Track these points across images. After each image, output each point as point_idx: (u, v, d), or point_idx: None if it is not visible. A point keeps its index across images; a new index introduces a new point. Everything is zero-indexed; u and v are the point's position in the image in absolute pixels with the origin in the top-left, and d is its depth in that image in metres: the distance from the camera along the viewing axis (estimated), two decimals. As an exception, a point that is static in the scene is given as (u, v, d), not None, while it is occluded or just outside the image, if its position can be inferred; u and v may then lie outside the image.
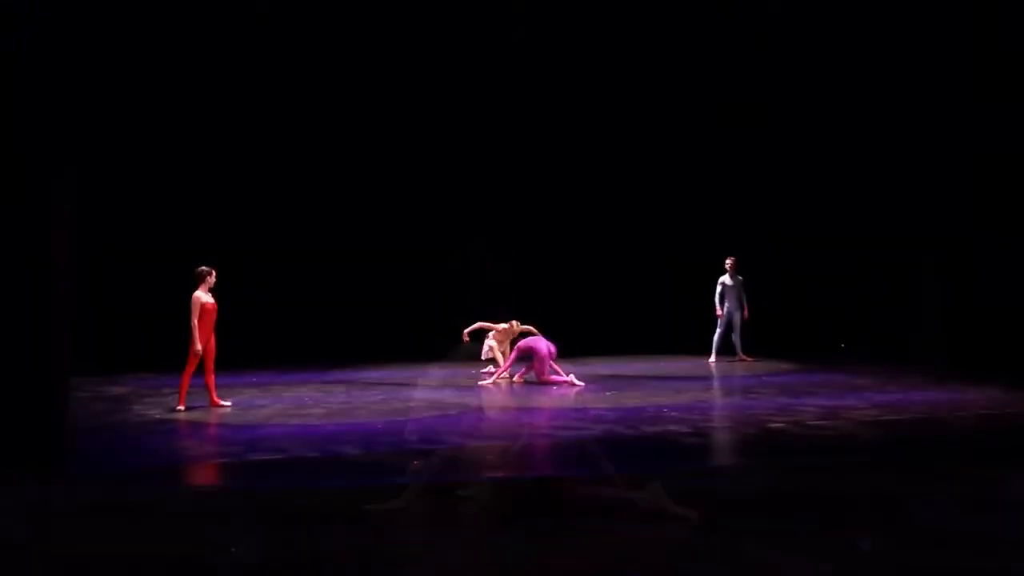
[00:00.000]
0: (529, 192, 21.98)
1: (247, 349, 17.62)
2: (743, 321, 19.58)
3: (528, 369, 16.55)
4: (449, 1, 20.22)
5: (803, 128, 21.65)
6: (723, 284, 19.58)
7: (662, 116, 22.59)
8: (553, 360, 16.33)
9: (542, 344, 16.34)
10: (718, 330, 19.62)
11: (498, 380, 16.54)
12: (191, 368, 13.22)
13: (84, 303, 16.18)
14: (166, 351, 15.63)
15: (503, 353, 17.21)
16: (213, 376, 13.48)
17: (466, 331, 17.26)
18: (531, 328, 17.05)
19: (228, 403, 13.68)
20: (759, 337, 20.26)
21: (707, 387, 16.40)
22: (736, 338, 19.63)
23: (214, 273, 13.45)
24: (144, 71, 19.28)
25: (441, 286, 22.11)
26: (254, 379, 16.58)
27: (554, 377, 16.18)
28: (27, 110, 9.28)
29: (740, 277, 19.63)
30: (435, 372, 17.61)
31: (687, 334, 21.12)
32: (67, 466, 9.23)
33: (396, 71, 20.96)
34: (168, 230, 19.84)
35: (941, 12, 18.85)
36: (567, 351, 17.09)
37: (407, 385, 16.18)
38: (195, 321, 13.08)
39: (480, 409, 13.60)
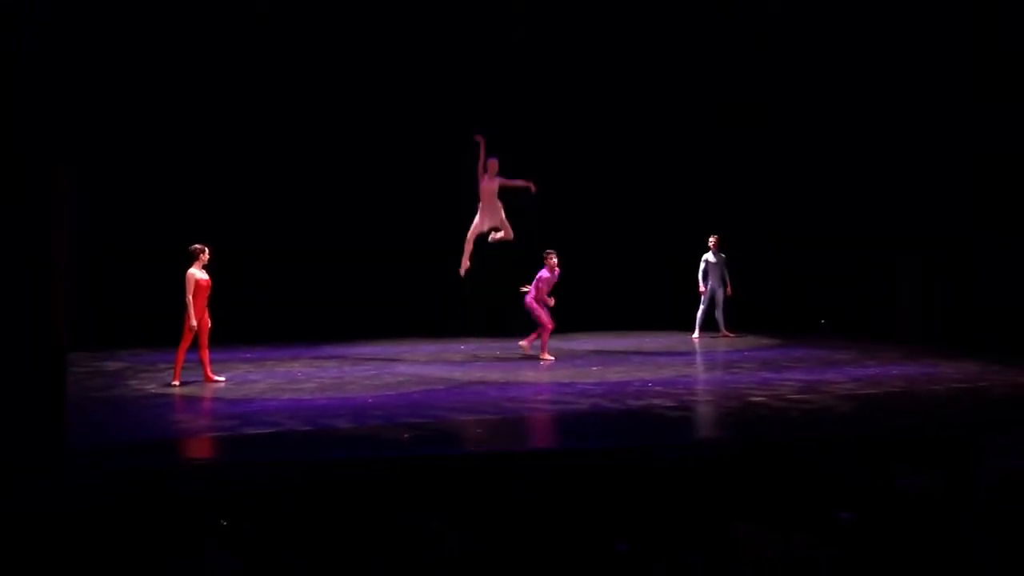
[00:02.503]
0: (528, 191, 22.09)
1: (240, 326, 17.78)
2: (726, 298, 19.71)
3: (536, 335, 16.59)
4: (450, 1, 20.45)
5: (803, 128, 21.74)
6: (706, 261, 19.70)
7: (662, 116, 22.69)
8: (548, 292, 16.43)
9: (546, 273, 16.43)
10: (701, 306, 19.73)
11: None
12: (186, 344, 13.43)
13: (84, 303, 16.50)
14: (161, 327, 15.82)
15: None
16: (207, 351, 13.68)
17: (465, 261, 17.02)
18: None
19: (222, 378, 13.87)
20: (743, 315, 20.47)
21: (690, 362, 16.68)
22: (719, 314, 19.77)
23: (207, 251, 13.67)
24: (144, 71, 19.45)
25: (441, 286, 22.30)
26: (247, 355, 16.74)
27: (539, 311, 16.31)
28: (27, 110, 9.35)
29: (723, 255, 19.75)
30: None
31: (671, 311, 21.24)
32: (65, 464, 9.39)
33: (396, 71, 21.11)
34: (168, 230, 19.97)
35: (941, 12, 18.98)
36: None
37: (397, 360, 16.38)
38: (189, 297, 13.27)
39: (468, 384, 13.78)
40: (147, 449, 9.79)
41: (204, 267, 13.63)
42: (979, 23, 18.95)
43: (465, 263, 17.01)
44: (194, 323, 13.29)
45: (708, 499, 8.72)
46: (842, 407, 11.75)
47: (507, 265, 18.95)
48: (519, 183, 16.82)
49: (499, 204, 16.82)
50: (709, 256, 19.79)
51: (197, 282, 13.40)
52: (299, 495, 8.25)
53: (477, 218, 16.88)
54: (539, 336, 16.48)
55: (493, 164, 16.71)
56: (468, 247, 16.97)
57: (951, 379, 13.64)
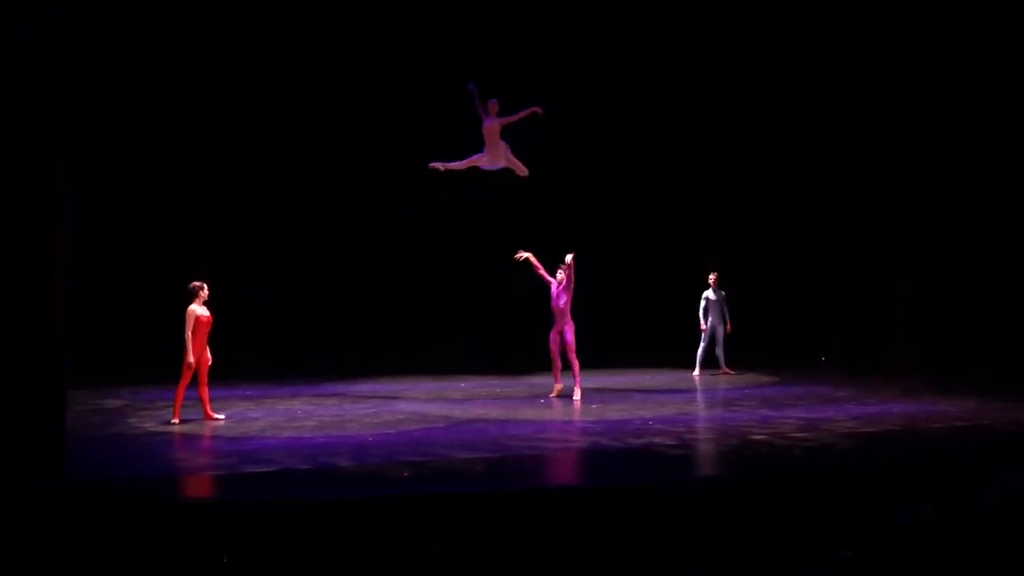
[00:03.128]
0: (529, 192, 22.03)
1: (240, 362, 17.78)
2: (726, 335, 19.67)
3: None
4: (450, 1, 20.29)
5: (803, 128, 21.66)
6: (707, 299, 19.63)
7: (662, 116, 22.58)
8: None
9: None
10: (702, 344, 19.65)
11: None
12: (185, 381, 13.38)
13: (84, 303, 16.48)
14: (161, 363, 15.82)
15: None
16: (207, 389, 13.64)
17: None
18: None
19: (221, 416, 13.83)
20: (744, 350, 20.43)
21: (691, 400, 16.59)
22: (719, 351, 19.70)
23: (206, 287, 13.60)
24: (144, 71, 19.37)
25: (441, 286, 22.36)
26: (247, 392, 16.65)
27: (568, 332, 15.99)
28: (27, 110, 9.35)
29: (723, 292, 19.69)
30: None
31: (671, 348, 21.18)
32: (65, 472, 9.45)
33: (397, 70, 21.03)
34: (168, 230, 20.00)
35: (941, 12, 18.86)
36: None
37: (397, 398, 16.33)
38: (188, 334, 13.23)
39: (468, 421, 13.74)
40: (146, 486, 9.77)
41: (205, 302, 13.58)
42: (979, 23, 18.84)
43: (439, 166, 16.86)
44: (191, 360, 13.24)
45: (709, 534, 8.76)
46: (843, 444, 11.73)
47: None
48: (524, 113, 16.54)
49: (503, 144, 16.65)
50: (709, 293, 19.73)
51: (197, 318, 13.36)
52: (298, 533, 8.27)
53: (480, 154, 16.74)
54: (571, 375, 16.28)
55: (493, 105, 16.54)
56: (455, 164, 16.84)
57: (952, 416, 13.63)
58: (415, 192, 21.46)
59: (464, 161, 16.74)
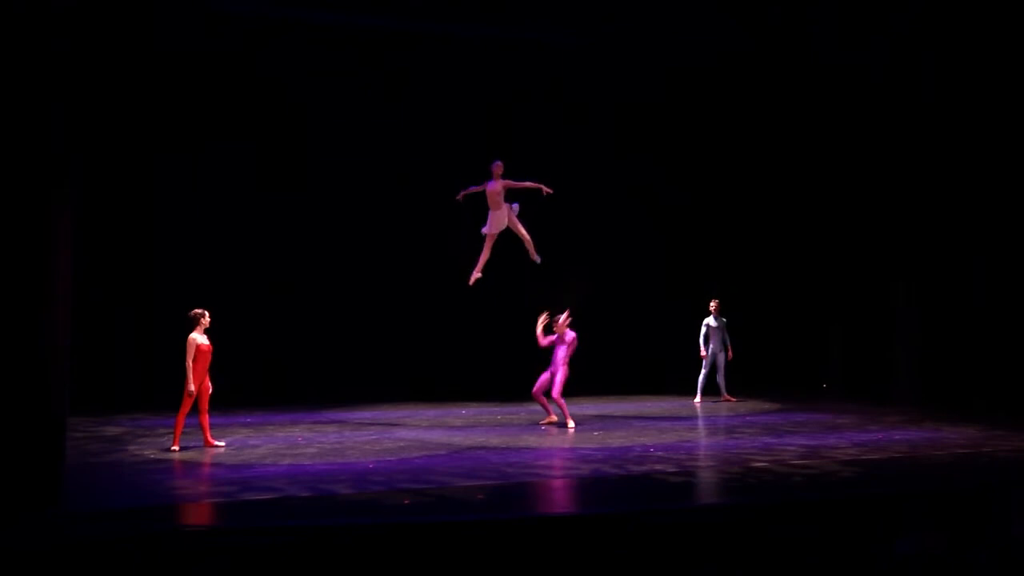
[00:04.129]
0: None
1: (240, 390, 17.77)
2: (727, 362, 19.75)
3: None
4: (449, 5, 20.36)
5: (803, 128, 21.81)
6: (707, 326, 19.76)
7: (662, 116, 22.70)
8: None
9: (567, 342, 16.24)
10: (703, 371, 19.76)
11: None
12: (185, 409, 13.35)
13: (84, 303, 16.47)
14: (161, 391, 15.81)
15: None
16: (207, 416, 13.61)
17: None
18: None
19: (222, 443, 13.79)
20: (744, 376, 20.48)
21: (692, 427, 16.53)
22: (720, 379, 19.78)
23: (207, 315, 13.61)
24: (145, 71, 19.43)
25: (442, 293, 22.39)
26: (247, 419, 16.64)
27: (558, 381, 16.11)
28: (28, 110, 9.37)
29: (724, 319, 19.78)
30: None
31: (672, 375, 21.26)
32: (64, 500, 9.41)
33: (397, 75, 21.10)
34: (169, 231, 19.95)
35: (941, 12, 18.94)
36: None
37: (398, 425, 16.30)
38: (190, 362, 13.22)
39: (469, 449, 13.72)
40: (145, 514, 9.70)
41: (205, 331, 13.58)
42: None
43: (476, 275, 17.03)
44: (192, 388, 13.23)
45: (710, 561, 8.74)
46: (845, 472, 11.70)
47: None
48: (529, 185, 16.64)
49: (506, 207, 16.66)
50: (710, 320, 19.84)
51: (198, 347, 13.36)
52: (298, 561, 8.24)
53: (487, 224, 16.81)
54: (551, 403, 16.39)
55: (498, 167, 16.61)
56: (481, 261, 16.95)
57: (954, 444, 13.64)
58: (416, 200, 21.37)
59: (484, 250, 16.92)
